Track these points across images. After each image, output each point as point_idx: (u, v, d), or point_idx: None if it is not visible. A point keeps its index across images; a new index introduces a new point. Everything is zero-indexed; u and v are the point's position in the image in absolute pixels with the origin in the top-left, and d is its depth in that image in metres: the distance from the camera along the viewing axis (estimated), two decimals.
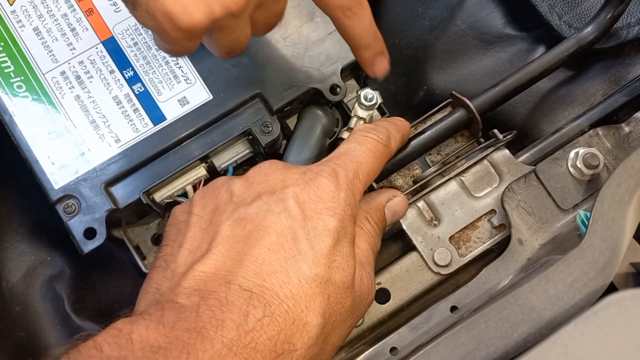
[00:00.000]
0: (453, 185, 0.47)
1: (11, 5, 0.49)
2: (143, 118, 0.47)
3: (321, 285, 0.34)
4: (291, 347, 0.33)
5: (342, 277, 0.36)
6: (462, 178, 0.47)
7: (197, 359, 0.30)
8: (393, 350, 0.43)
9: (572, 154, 0.46)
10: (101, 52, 0.48)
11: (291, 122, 0.51)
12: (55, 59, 0.48)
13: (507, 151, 0.47)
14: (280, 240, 0.35)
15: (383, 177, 0.47)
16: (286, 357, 0.33)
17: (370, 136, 0.41)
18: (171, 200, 0.47)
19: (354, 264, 0.37)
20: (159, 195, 0.47)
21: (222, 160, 0.49)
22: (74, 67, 0.48)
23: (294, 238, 0.35)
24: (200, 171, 0.48)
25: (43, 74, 0.47)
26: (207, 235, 0.36)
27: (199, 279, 0.34)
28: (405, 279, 0.46)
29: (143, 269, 0.51)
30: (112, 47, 0.48)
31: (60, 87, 0.47)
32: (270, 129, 0.47)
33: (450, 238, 0.46)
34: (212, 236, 0.36)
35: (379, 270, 0.47)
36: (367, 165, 0.39)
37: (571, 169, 0.46)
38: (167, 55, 0.48)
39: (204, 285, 0.34)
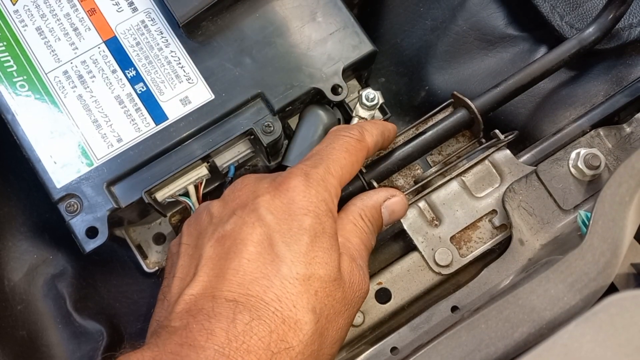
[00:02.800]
0: (454, 186, 0.47)
1: (14, 4, 0.49)
2: (145, 117, 0.47)
3: (305, 283, 0.35)
4: (286, 345, 0.34)
5: (326, 271, 0.36)
6: (463, 178, 0.47)
7: None
8: (394, 350, 0.43)
9: (573, 155, 0.46)
10: (103, 51, 0.48)
11: (292, 122, 0.52)
12: (58, 59, 0.48)
13: (508, 151, 0.48)
14: (257, 248, 0.36)
15: (384, 177, 0.47)
16: (283, 355, 0.34)
17: (341, 134, 0.42)
18: (173, 199, 0.48)
19: (337, 257, 0.38)
20: (161, 195, 0.47)
21: (223, 160, 0.49)
22: (76, 67, 0.48)
23: (271, 244, 0.36)
24: (202, 171, 0.48)
25: (45, 74, 0.48)
26: (194, 260, 0.38)
27: (189, 302, 0.36)
28: (406, 279, 0.46)
29: (145, 268, 0.51)
30: (115, 46, 0.48)
31: (63, 87, 0.47)
32: (272, 128, 0.48)
33: (451, 238, 0.46)
34: (198, 260, 0.38)
35: (379, 270, 0.47)
36: (340, 161, 0.40)
37: (572, 170, 0.46)
38: (169, 55, 0.48)
39: (193, 305, 0.35)
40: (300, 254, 0.36)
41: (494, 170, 0.47)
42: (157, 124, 0.47)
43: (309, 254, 0.36)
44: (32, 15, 0.48)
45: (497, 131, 0.48)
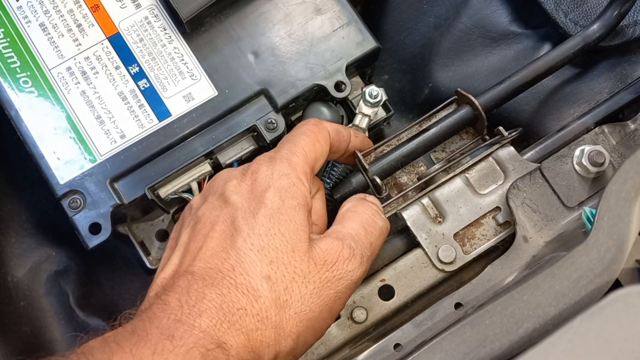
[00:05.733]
0: (458, 183, 0.47)
1: (18, 1, 0.49)
2: (148, 114, 0.47)
3: (259, 253, 0.37)
4: (237, 305, 0.35)
5: (282, 242, 0.38)
6: (467, 175, 0.47)
7: (146, 333, 0.33)
8: (397, 346, 0.43)
9: (577, 152, 0.46)
10: (107, 48, 0.48)
11: (296, 118, 0.51)
12: (61, 55, 0.48)
13: (512, 148, 0.47)
14: (221, 227, 0.38)
15: (387, 174, 0.47)
16: (236, 316, 0.35)
17: (297, 125, 0.44)
18: (176, 196, 0.48)
19: (298, 228, 0.38)
20: (164, 191, 0.47)
21: (227, 157, 0.49)
22: (79, 63, 0.48)
23: (232, 221, 0.38)
24: (205, 167, 0.48)
25: (49, 70, 0.48)
26: (172, 250, 0.40)
27: (160, 285, 0.38)
28: (410, 275, 0.46)
29: (147, 264, 0.51)
30: (118, 43, 0.48)
31: (66, 83, 0.47)
32: (275, 125, 0.48)
33: (455, 235, 0.46)
34: (175, 248, 0.40)
35: (383, 266, 0.47)
36: (299, 142, 0.42)
37: (576, 167, 0.45)
38: (172, 51, 0.48)
39: (161, 287, 0.37)
40: (256, 226, 0.38)
41: (498, 167, 0.47)
42: (160, 121, 0.47)
43: (265, 225, 0.38)
44: (35, 11, 0.48)
45: (501, 128, 0.47)
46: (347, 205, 0.43)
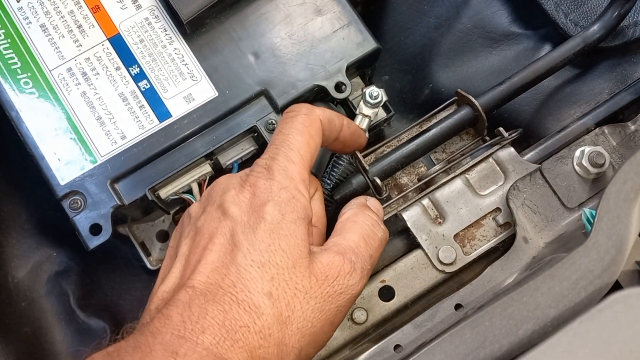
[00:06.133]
0: (458, 183, 0.47)
1: (18, 2, 0.49)
2: (149, 115, 0.47)
3: (260, 269, 0.37)
4: (240, 322, 0.35)
5: (283, 258, 0.37)
6: (467, 176, 0.47)
7: (150, 349, 0.33)
8: (397, 347, 0.43)
9: (577, 153, 0.46)
10: (107, 49, 0.48)
11: None
12: (62, 56, 0.48)
13: (512, 149, 0.47)
14: (220, 240, 0.38)
15: (388, 175, 0.47)
16: (239, 333, 0.35)
17: (288, 116, 0.43)
18: (176, 197, 0.48)
19: (299, 244, 0.38)
20: (165, 192, 0.47)
21: (227, 158, 0.49)
22: (80, 64, 0.48)
23: (232, 235, 0.38)
24: (206, 168, 0.48)
25: (49, 71, 0.48)
26: (172, 260, 0.40)
27: (161, 298, 0.38)
28: (410, 276, 0.46)
29: (148, 265, 0.51)
30: (118, 43, 0.48)
31: (67, 84, 0.48)
32: (276, 126, 0.48)
33: (455, 236, 0.46)
34: (175, 259, 0.40)
35: (383, 267, 0.47)
36: (294, 144, 0.41)
37: (577, 168, 0.45)
38: (172, 52, 0.48)
39: (163, 301, 0.37)
40: (256, 242, 0.37)
41: (498, 168, 0.47)
42: (160, 122, 0.47)
43: (265, 241, 0.37)
44: (36, 12, 0.49)
45: (501, 129, 0.47)
46: (347, 214, 0.42)
